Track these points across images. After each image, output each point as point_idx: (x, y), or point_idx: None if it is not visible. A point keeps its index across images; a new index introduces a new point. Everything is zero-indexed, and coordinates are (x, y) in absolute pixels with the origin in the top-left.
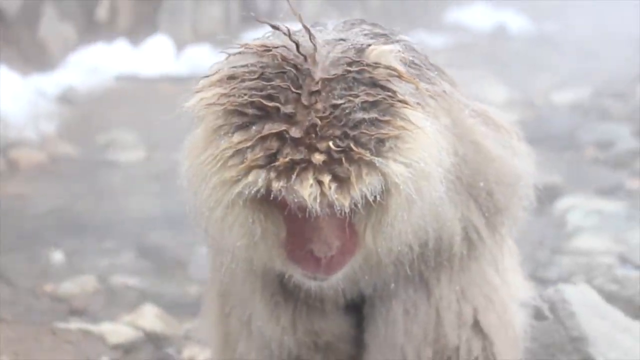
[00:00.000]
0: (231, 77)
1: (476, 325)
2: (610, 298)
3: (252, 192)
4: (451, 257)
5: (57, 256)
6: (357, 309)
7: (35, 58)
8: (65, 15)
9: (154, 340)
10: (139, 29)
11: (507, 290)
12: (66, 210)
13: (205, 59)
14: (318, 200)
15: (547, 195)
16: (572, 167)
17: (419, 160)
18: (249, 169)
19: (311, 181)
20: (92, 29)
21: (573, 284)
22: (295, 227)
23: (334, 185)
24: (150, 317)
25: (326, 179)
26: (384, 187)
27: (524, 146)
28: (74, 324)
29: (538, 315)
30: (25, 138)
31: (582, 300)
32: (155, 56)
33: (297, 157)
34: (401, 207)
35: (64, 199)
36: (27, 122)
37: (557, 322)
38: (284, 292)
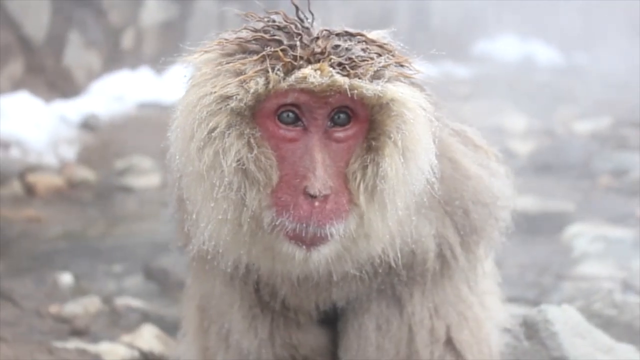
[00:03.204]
0: (231, 38)
1: (449, 342)
2: (609, 323)
3: (251, 98)
4: (424, 272)
5: (66, 278)
6: (333, 324)
7: (60, 85)
8: (91, 43)
9: (150, 359)
10: (163, 57)
11: (482, 309)
12: (79, 234)
13: None
14: (319, 75)
15: (557, 222)
16: (586, 195)
17: (413, 98)
18: (249, 79)
19: (312, 67)
20: (116, 57)
21: (556, 305)
22: (289, 165)
23: (335, 70)
24: (148, 338)
25: (327, 67)
26: (382, 101)
27: (502, 168)
28: (73, 344)
29: (519, 336)
30: (44, 163)
31: (565, 321)
32: (178, 84)
33: (298, 61)
34: (395, 156)
35: (78, 223)
36: (48, 147)
37: (538, 343)
38: (261, 304)
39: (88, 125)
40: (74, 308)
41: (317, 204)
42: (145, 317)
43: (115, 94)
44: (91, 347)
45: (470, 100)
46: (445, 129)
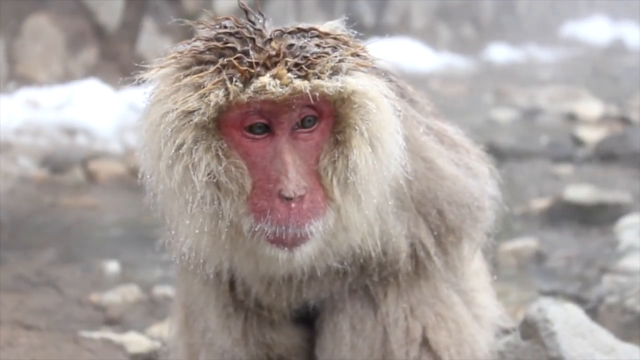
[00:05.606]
0: (186, 50)
1: (425, 343)
2: None
3: (213, 111)
4: (396, 273)
5: (112, 267)
6: (311, 324)
7: (133, 73)
8: (165, 29)
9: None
10: None
11: (467, 309)
12: (133, 222)
13: None
14: (278, 84)
15: (613, 214)
16: None
17: (374, 87)
18: (209, 92)
19: (270, 73)
20: None
21: (558, 304)
22: (261, 170)
23: (294, 75)
24: None
25: (285, 73)
26: (343, 95)
27: (486, 167)
28: (101, 333)
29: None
30: (109, 150)
31: (566, 320)
32: None
33: (255, 67)
34: (363, 146)
35: (134, 211)
36: (114, 135)
37: (537, 342)
38: (235, 302)
39: None
40: (113, 297)
41: (293, 205)
42: None
43: None
44: (116, 337)
45: (548, 85)
46: (420, 127)
